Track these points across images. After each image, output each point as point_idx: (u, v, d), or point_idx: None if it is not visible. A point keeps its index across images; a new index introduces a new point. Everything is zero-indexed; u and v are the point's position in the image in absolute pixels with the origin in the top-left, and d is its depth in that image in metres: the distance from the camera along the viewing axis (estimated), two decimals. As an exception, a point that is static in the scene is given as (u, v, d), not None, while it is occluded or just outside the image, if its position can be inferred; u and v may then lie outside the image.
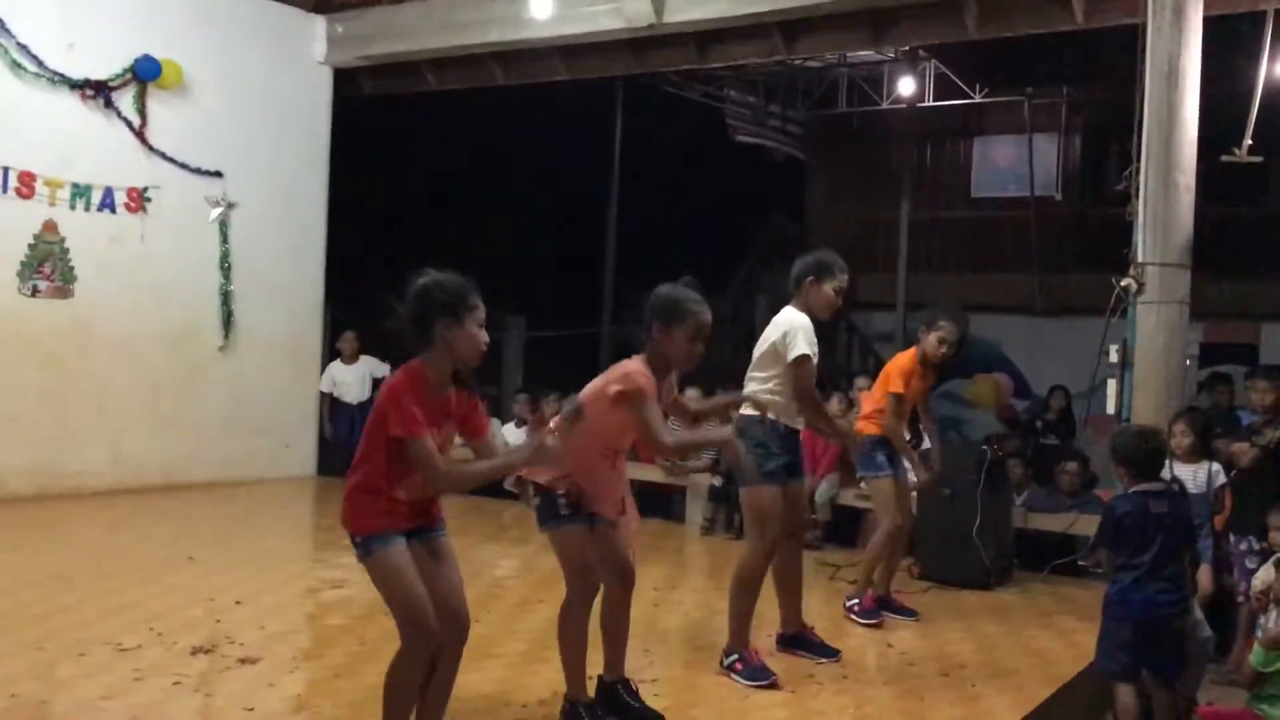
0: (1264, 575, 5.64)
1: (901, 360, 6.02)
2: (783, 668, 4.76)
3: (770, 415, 4.75)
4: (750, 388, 4.85)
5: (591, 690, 4.02)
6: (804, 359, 4.76)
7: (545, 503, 3.93)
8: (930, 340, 5.94)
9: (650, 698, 4.23)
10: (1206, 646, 5.36)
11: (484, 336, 3.35)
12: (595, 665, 4.07)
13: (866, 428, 5.92)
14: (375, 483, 3.29)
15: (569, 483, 3.85)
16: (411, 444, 3.20)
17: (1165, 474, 5.77)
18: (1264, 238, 13.93)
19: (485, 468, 3.41)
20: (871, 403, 6.09)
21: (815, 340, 4.86)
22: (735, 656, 4.68)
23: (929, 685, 4.70)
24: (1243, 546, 6.41)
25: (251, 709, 4.01)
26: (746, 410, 4.80)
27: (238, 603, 5.56)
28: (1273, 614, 5.38)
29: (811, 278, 4.98)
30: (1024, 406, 14.63)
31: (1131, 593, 4.51)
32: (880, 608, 5.89)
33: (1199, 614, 5.28)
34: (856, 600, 5.80)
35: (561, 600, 3.99)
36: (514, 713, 4.11)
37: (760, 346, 4.91)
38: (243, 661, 4.58)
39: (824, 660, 4.97)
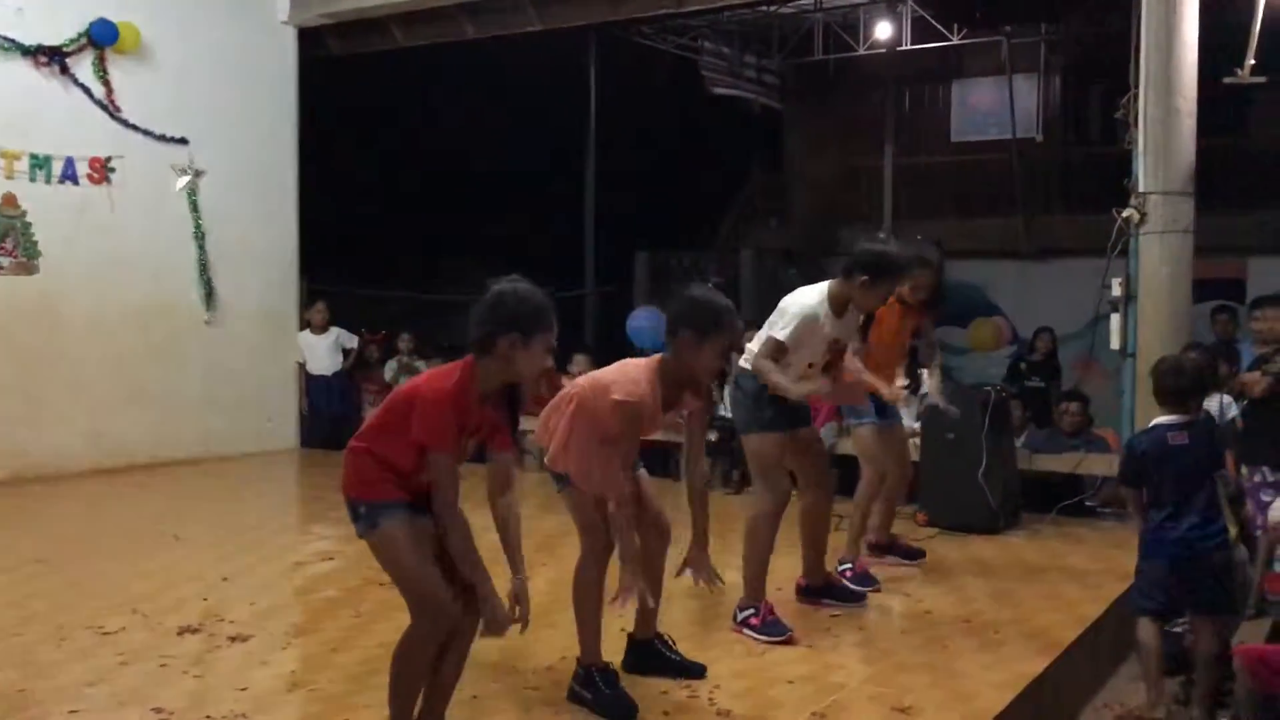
0: (1281, 505, 5.51)
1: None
2: (798, 622, 4.60)
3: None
4: (749, 345, 4.69)
5: (609, 654, 3.82)
6: (773, 341, 4.52)
7: None
8: (904, 290, 5.40)
9: (664, 656, 4.06)
10: (1248, 588, 5.22)
11: (549, 361, 3.14)
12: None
13: None
14: (389, 460, 3.07)
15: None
16: (434, 456, 2.99)
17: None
18: (1249, 170, 13.81)
19: (472, 553, 3.08)
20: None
21: (819, 334, 4.57)
22: (750, 611, 4.52)
23: (951, 634, 4.53)
24: (1256, 478, 6.27)
25: (245, 689, 3.81)
26: (742, 362, 4.66)
27: (225, 580, 5.34)
28: (1294, 545, 5.25)
29: (866, 278, 4.55)
30: (1011, 351, 14.54)
31: (1165, 530, 4.33)
32: (887, 553, 5.72)
33: (1245, 553, 5.13)
34: (849, 565, 5.39)
35: (570, 562, 3.80)
36: (522, 679, 3.92)
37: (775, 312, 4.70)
38: (233, 640, 4.36)
39: (852, 606, 4.86)
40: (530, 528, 6.66)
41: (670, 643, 4.01)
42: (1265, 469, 6.25)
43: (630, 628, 4.01)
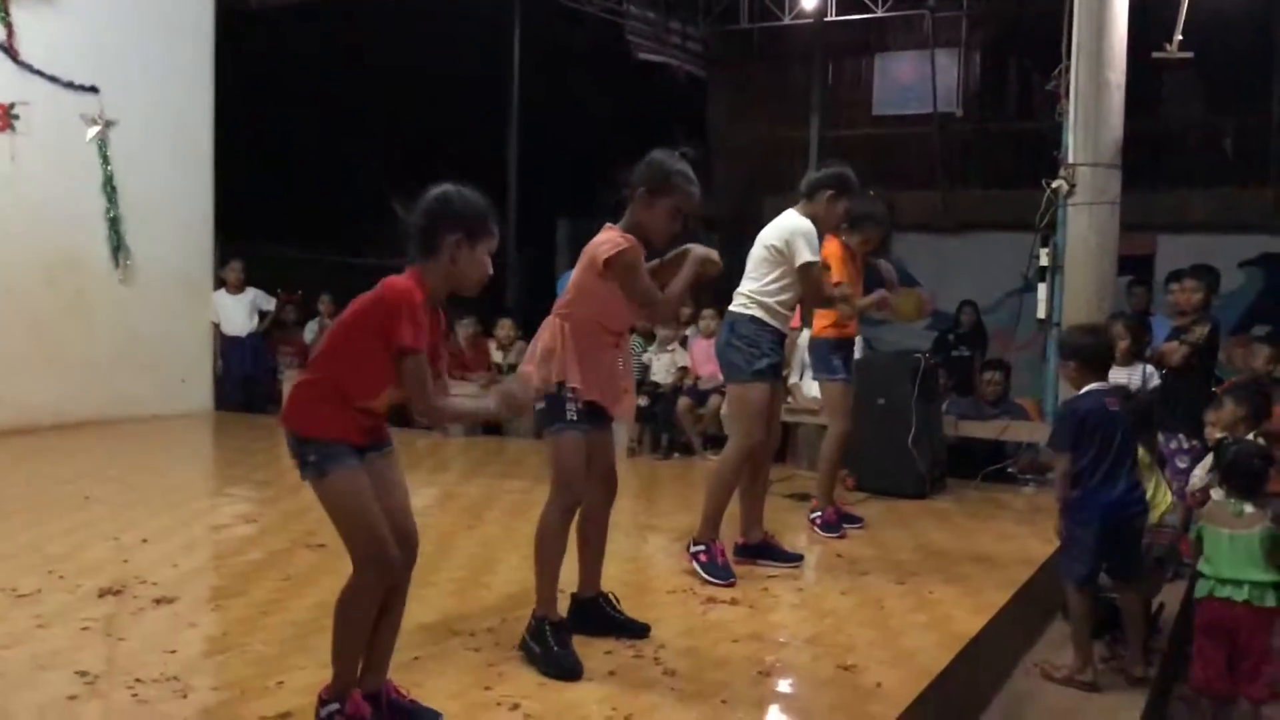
0: (1201, 473, 5.65)
1: (832, 246, 5.66)
2: (737, 582, 4.61)
3: (761, 315, 4.77)
4: (747, 287, 4.84)
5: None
6: (810, 265, 4.77)
7: (552, 404, 3.65)
8: (855, 240, 5.76)
9: (604, 620, 4.04)
10: (1174, 550, 5.37)
11: (489, 267, 3.06)
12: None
13: (822, 331, 5.77)
14: (343, 389, 2.94)
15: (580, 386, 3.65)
16: (412, 360, 2.89)
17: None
18: (1159, 149, 14.12)
19: (471, 406, 3.10)
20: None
21: (817, 246, 4.83)
22: (701, 547, 4.65)
23: (887, 594, 4.56)
24: (1173, 445, 6.45)
25: (173, 651, 3.66)
26: (737, 308, 4.83)
27: (144, 541, 5.15)
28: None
29: (832, 192, 4.93)
30: (928, 321, 14.75)
31: (1098, 494, 4.34)
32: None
33: (1172, 519, 5.30)
34: (819, 514, 5.64)
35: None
36: (462, 641, 3.85)
37: (757, 248, 4.87)
38: (158, 602, 4.20)
39: (789, 566, 4.91)
40: (452, 493, 6.64)
41: (614, 601, 3.98)
42: (1181, 436, 6.44)
43: (575, 586, 3.97)
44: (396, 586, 3.07)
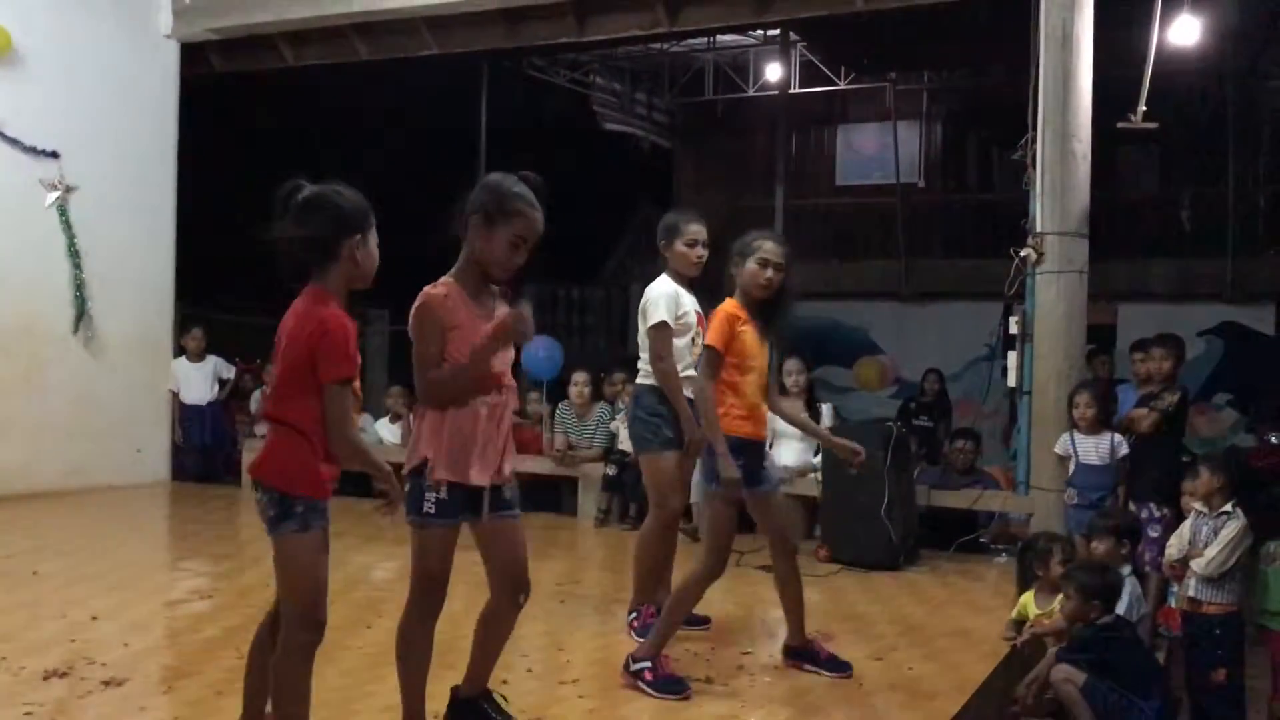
0: (1177, 543, 5.58)
1: (724, 307, 4.20)
2: (703, 661, 4.45)
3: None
4: (643, 357, 4.80)
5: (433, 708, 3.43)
6: (660, 326, 4.66)
7: (413, 491, 3.18)
8: (749, 269, 4.14)
9: (574, 698, 3.92)
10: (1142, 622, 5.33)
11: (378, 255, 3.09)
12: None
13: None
14: (311, 426, 2.87)
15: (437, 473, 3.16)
16: (340, 390, 2.85)
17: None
18: (1118, 220, 14.32)
19: (370, 456, 3.00)
20: None
21: (687, 303, 4.75)
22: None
23: (864, 670, 4.43)
24: (1143, 514, 6.40)
25: (121, 737, 3.49)
26: (640, 379, 4.81)
27: (94, 619, 4.94)
28: (1191, 583, 5.32)
29: (663, 242, 4.86)
30: (893, 389, 14.78)
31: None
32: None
33: (1139, 589, 5.25)
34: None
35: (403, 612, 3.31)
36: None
37: (640, 323, 4.83)
38: (107, 684, 4.01)
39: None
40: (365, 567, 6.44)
41: (501, 702, 3.48)
42: (1151, 505, 6.40)
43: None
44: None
